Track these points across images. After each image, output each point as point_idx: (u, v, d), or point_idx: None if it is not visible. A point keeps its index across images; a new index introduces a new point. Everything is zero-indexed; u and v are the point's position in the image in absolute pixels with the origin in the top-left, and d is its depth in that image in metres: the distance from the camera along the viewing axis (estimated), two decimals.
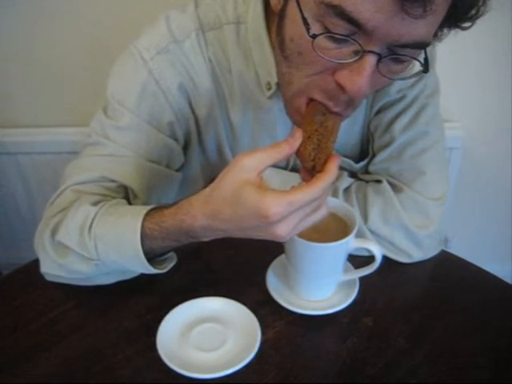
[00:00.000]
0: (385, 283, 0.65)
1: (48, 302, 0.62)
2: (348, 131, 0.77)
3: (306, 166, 0.51)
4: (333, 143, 0.51)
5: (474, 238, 1.53)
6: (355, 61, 0.49)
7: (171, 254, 0.62)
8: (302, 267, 0.58)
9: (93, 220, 0.59)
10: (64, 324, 0.59)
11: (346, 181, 0.72)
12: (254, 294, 0.62)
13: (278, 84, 0.65)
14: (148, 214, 0.57)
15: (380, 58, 0.49)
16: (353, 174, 0.77)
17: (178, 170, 0.75)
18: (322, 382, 0.52)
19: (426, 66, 0.54)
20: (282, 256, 0.64)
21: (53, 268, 0.62)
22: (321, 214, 0.50)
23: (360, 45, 0.48)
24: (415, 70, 0.57)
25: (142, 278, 0.65)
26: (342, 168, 0.78)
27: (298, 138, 0.50)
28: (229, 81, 0.69)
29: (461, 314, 0.61)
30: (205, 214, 0.51)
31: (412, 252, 0.68)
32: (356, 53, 0.49)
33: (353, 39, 0.48)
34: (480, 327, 0.59)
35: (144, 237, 0.56)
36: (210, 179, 0.78)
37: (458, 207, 1.44)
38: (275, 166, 0.76)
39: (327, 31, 0.49)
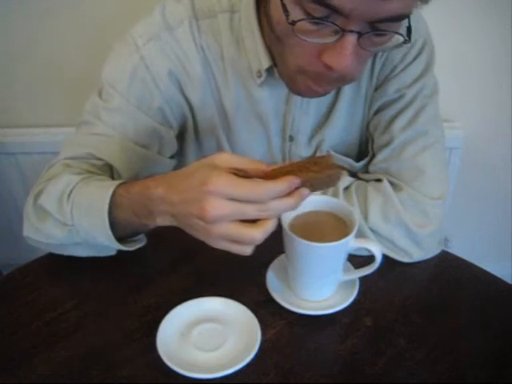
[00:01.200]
0: (385, 283, 0.65)
1: (48, 301, 0.62)
2: (346, 129, 0.77)
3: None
4: (304, 177, 0.48)
5: (474, 237, 1.54)
6: (336, 40, 0.52)
7: (141, 236, 0.64)
8: (301, 267, 0.58)
9: (73, 187, 0.62)
10: (64, 324, 0.59)
11: (346, 180, 0.72)
12: (253, 294, 0.62)
13: (267, 71, 0.68)
14: (124, 183, 0.60)
15: (360, 35, 0.51)
16: (353, 175, 0.77)
17: (171, 157, 0.77)
18: (322, 382, 0.52)
19: (409, 36, 0.55)
20: (282, 256, 0.64)
21: (33, 232, 0.65)
22: (252, 232, 0.48)
23: (338, 26, 0.51)
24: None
25: (142, 278, 0.65)
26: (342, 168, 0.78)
27: (284, 169, 0.49)
28: (222, 68, 0.71)
29: (461, 314, 0.61)
30: (167, 182, 0.52)
31: (412, 251, 0.68)
32: (336, 32, 0.52)
33: (331, 22, 0.51)
34: (480, 327, 0.59)
35: (112, 204, 0.58)
36: None
37: (458, 207, 1.44)
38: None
39: (307, 14, 0.51)
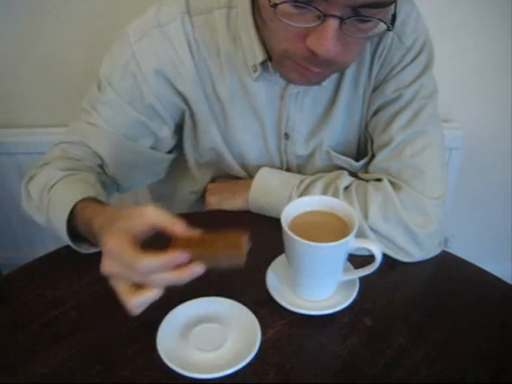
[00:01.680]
0: (385, 283, 0.65)
1: (48, 302, 0.62)
2: (344, 129, 0.78)
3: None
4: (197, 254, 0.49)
5: (474, 237, 1.54)
6: (318, 25, 0.53)
7: None
8: (301, 267, 0.58)
9: (55, 183, 0.68)
10: (64, 324, 0.59)
11: (347, 179, 0.72)
12: (253, 294, 0.62)
13: (262, 65, 0.69)
14: (89, 198, 0.64)
15: (342, 20, 0.52)
16: (353, 175, 0.77)
17: (169, 152, 0.80)
18: (322, 382, 0.52)
19: (393, 24, 0.56)
20: (282, 256, 0.64)
21: (26, 208, 0.73)
22: (128, 298, 0.50)
23: (320, 10, 0.52)
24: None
25: None
26: (342, 168, 0.78)
27: (191, 241, 0.50)
28: (217, 63, 0.72)
29: (461, 314, 0.61)
30: (104, 220, 0.56)
31: (412, 251, 0.68)
32: (318, 17, 0.53)
33: (313, 6, 0.52)
34: (480, 327, 0.59)
35: (72, 215, 0.63)
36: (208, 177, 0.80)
37: (458, 207, 1.44)
38: (271, 166, 0.80)
39: None
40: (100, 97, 0.72)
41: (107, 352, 0.55)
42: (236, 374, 0.52)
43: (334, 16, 0.52)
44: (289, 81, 0.67)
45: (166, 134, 0.76)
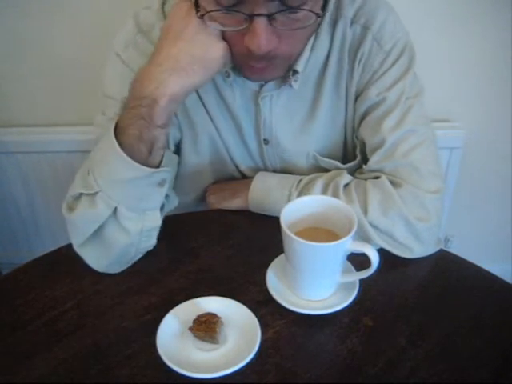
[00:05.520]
0: (385, 283, 0.65)
1: (48, 302, 0.62)
2: (328, 134, 0.79)
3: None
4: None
5: (474, 237, 1.53)
6: (249, 25, 0.57)
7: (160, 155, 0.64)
8: (300, 266, 0.58)
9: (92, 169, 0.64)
10: (64, 324, 0.59)
11: (347, 178, 0.72)
12: (253, 294, 0.62)
13: (234, 70, 0.71)
14: None
15: (269, 16, 0.55)
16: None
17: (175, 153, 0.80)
18: (321, 382, 0.52)
19: (324, 9, 0.59)
20: (282, 256, 0.64)
21: (71, 232, 0.65)
22: None
23: (244, 12, 0.55)
24: None
25: (142, 277, 0.65)
26: (328, 171, 0.78)
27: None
28: None
29: (461, 314, 0.61)
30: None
31: (412, 245, 0.68)
32: (246, 19, 0.56)
33: (236, 10, 0.55)
34: (480, 327, 0.59)
35: (118, 131, 0.61)
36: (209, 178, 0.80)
37: (458, 207, 1.44)
38: (257, 170, 0.80)
39: (218, 5, 0.56)
40: (108, 117, 0.72)
41: (107, 352, 0.55)
42: (236, 373, 0.52)
43: (259, 15, 0.55)
44: (248, 79, 0.69)
45: (172, 130, 0.76)
